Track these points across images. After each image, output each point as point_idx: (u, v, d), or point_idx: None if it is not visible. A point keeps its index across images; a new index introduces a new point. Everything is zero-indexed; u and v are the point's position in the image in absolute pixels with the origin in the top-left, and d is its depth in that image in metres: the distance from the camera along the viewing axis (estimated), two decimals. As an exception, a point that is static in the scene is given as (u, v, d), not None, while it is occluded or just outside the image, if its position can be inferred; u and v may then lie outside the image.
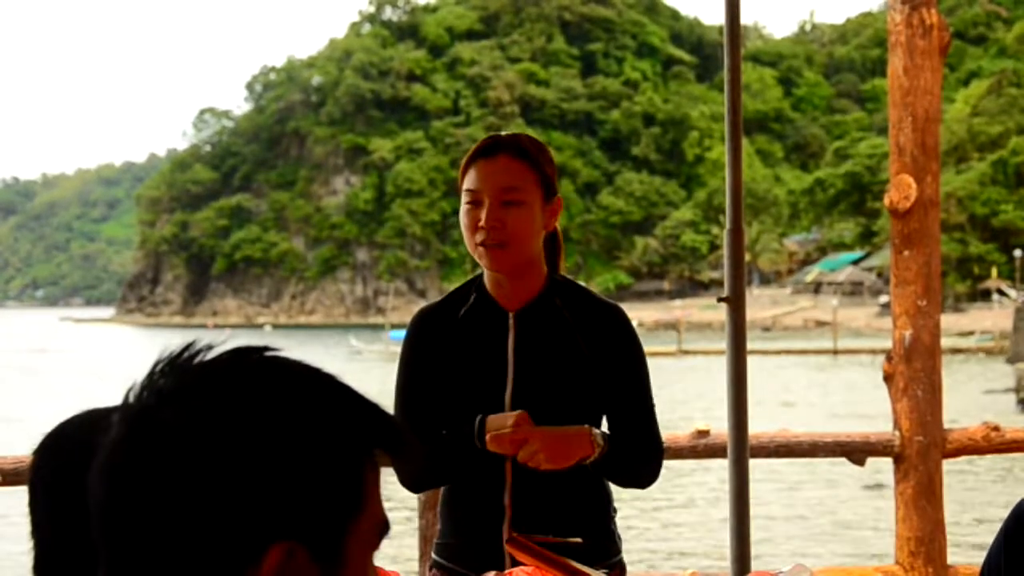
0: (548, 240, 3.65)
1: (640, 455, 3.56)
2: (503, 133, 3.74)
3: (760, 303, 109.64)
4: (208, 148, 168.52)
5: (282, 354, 1.44)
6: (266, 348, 1.44)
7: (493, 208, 3.44)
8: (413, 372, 3.65)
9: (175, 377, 1.40)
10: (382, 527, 1.44)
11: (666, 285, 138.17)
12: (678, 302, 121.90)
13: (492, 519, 3.43)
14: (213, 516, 1.32)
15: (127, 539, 1.37)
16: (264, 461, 1.33)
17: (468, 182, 3.52)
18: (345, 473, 1.39)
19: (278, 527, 1.33)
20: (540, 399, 3.48)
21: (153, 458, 1.36)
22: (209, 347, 1.42)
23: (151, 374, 1.41)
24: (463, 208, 3.54)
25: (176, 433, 1.35)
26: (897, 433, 6.92)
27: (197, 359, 1.41)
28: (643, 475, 3.59)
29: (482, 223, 3.45)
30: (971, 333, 79.79)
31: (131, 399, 1.40)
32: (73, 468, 1.86)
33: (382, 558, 1.57)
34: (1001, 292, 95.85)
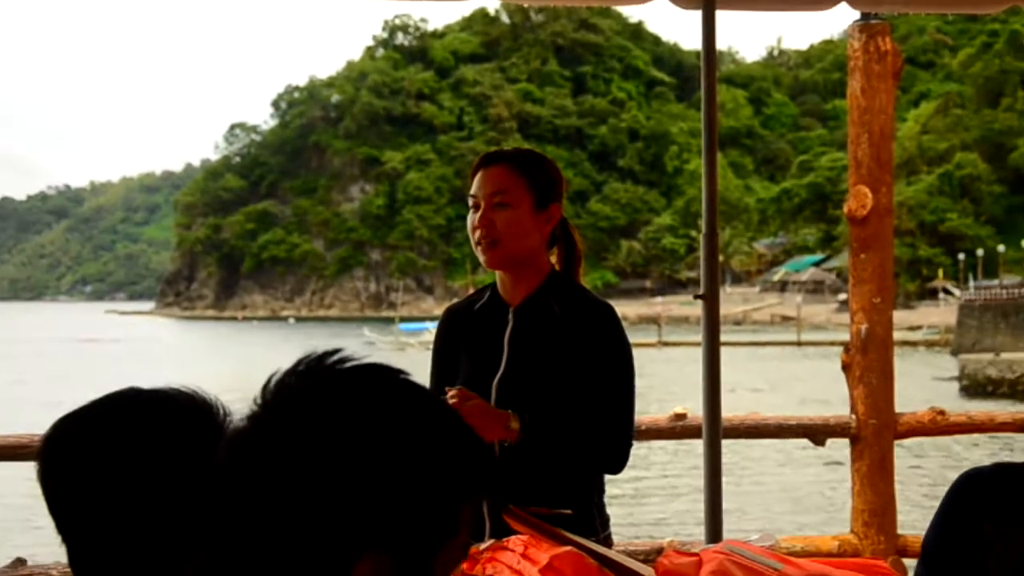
0: (565, 247, 3.69)
1: (600, 447, 3.53)
2: (506, 147, 3.77)
3: (732, 300, 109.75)
4: (238, 159, 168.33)
5: (414, 379, 1.41)
6: (402, 372, 1.41)
7: (485, 211, 3.52)
8: (437, 359, 3.75)
9: (311, 380, 1.35)
10: (465, 551, 1.44)
11: (648, 283, 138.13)
12: (659, 299, 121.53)
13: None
14: (320, 517, 1.30)
15: (240, 524, 1.34)
16: (378, 475, 1.30)
17: (470, 190, 3.60)
18: (446, 504, 1.36)
19: (377, 538, 1.30)
20: (523, 385, 3.51)
21: (275, 456, 1.32)
22: (347, 359, 1.39)
23: (289, 373, 1.38)
24: (469, 213, 3.60)
25: (310, 433, 1.32)
26: (853, 417, 6.92)
27: (335, 367, 1.38)
28: (604, 461, 3.56)
29: (476, 224, 3.53)
30: (920, 328, 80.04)
31: (267, 394, 1.37)
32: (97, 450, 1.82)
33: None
34: (946, 291, 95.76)
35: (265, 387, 1.35)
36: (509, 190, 3.53)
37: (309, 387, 1.35)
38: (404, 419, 1.35)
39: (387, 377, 1.38)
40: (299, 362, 1.37)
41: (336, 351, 1.38)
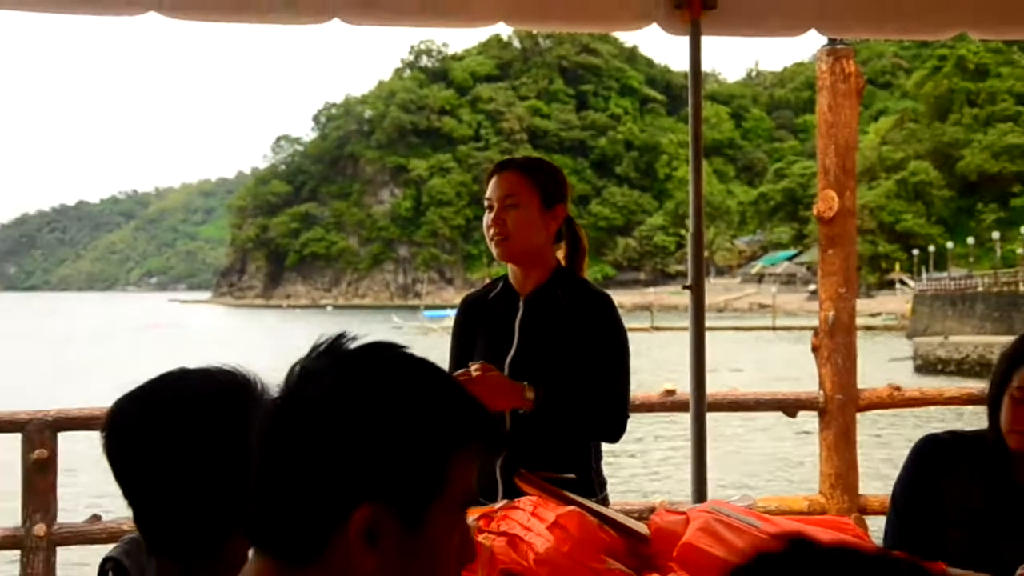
0: (571, 244, 3.70)
1: (600, 418, 3.53)
2: (516, 156, 3.78)
3: (715, 290, 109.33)
4: (283, 167, 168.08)
5: (409, 351, 1.44)
6: (398, 346, 1.45)
7: (498, 211, 3.56)
8: (456, 341, 3.76)
9: (326, 360, 1.40)
10: (467, 500, 1.43)
11: (642, 276, 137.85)
12: (651, 289, 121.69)
13: (489, 456, 3.41)
14: (328, 469, 1.33)
15: (272, 476, 1.37)
16: (372, 433, 1.34)
17: (486, 193, 3.62)
18: (433, 459, 1.38)
19: (371, 488, 1.33)
20: (532, 364, 3.52)
21: (294, 421, 1.37)
22: (354, 338, 1.43)
23: (309, 355, 1.42)
24: (485, 214, 3.63)
25: (314, 405, 1.36)
26: (821, 392, 6.90)
27: (344, 347, 1.42)
28: (602, 431, 3.56)
29: (490, 223, 3.57)
30: (879, 314, 79.82)
31: (294, 373, 1.41)
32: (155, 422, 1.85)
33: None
34: (902, 283, 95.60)
35: (293, 366, 1.40)
36: (519, 192, 3.55)
37: (319, 365, 1.39)
38: (393, 383, 1.38)
39: (383, 351, 1.42)
40: (316, 345, 1.42)
41: (343, 334, 1.43)
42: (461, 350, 3.69)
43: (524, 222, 3.54)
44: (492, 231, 3.56)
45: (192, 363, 1.92)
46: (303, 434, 1.34)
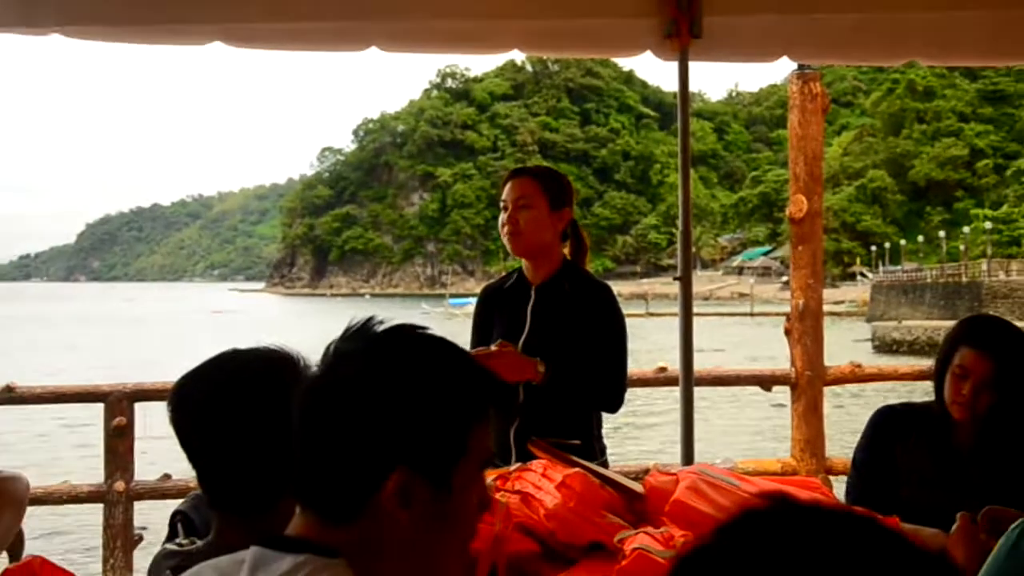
0: (575, 242, 3.69)
1: (602, 391, 3.53)
2: (528, 165, 3.78)
3: (701, 281, 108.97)
4: (327, 174, 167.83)
5: (431, 332, 1.43)
6: (421, 327, 1.44)
7: (512, 211, 3.56)
8: (476, 324, 3.75)
9: (357, 341, 1.39)
10: (485, 462, 1.43)
11: (638, 268, 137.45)
12: (646, 280, 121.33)
13: (504, 424, 3.44)
14: (364, 439, 1.33)
15: (312, 445, 1.37)
16: (401, 406, 1.33)
17: (501, 196, 3.62)
18: (456, 428, 1.36)
19: (402, 454, 1.33)
20: (542, 345, 3.50)
21: (331, 397, 1.36)
22: (381, 322, 1.42)
23: (342, 336, 1.42)
24: (500, 214, 3.62)
25: (348, 382, 1.35)
26: (793, 369, 6.88)
27: (373, 329, 1.41)
28: (603, 403, 3.56)
29: (505, 221, 3.56)
30: (843, 302, 79.56)
31: (329, 353, 1.40)
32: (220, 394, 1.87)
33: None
34: (862, 275, 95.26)
35: (328, 346, 1.40)
36: (530, 195, 3.55)
37: (352, 346, 1.39)
38: (418, 361, 1.37)
39: (408, 333, 1.41)
40: (348, 328, 1.41)
41: (372, 318, 1.42)
42: (481, 332, 3.69)
43: (534, 221, 3.54)
44: (506, 228, 3.56)
45: (247, 344, 1.94)
46: (340, 408, 1.34)
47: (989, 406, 2.94)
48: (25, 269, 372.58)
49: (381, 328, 1.40)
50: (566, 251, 3.68)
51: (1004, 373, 2.92)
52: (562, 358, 3.46)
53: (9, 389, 6.19)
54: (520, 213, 3.54)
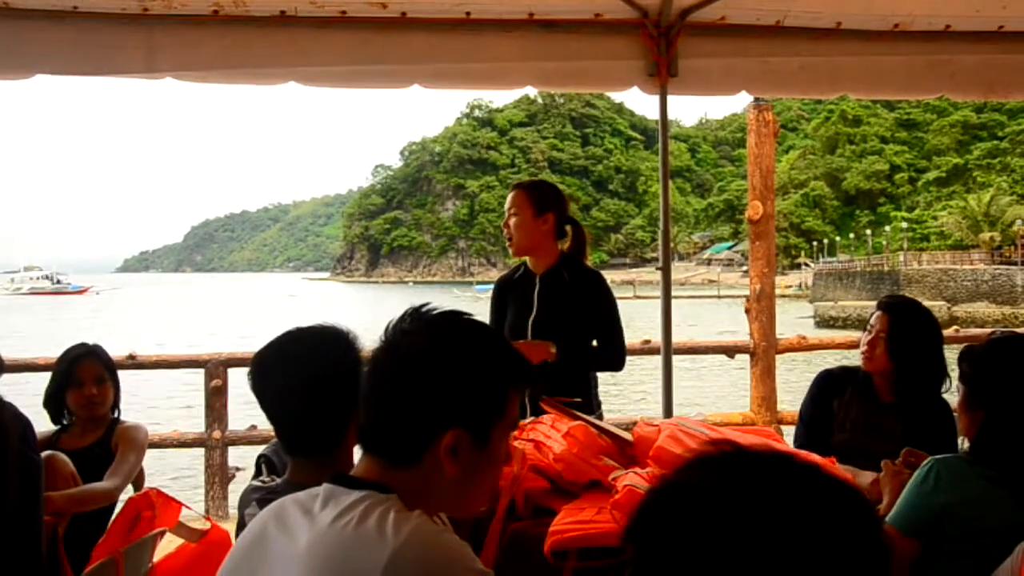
0: (576, 240, 3.62)
1: (607, 356, 3.50)
2: (527, 180, 3.77)
3: (678, 271, 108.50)
4: (379, 186, 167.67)
5: (475, 318, 1.43)
6: (467, 314, 1.43)
7: (506, 219, 3.56)
8: (494, 308, 3.70)
9: (415, 322, 1.38)
10: (515, 424, 1.43)
11: (627, 261, 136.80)
12: (633, 270, 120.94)
13: (533, 391, 3.40)
14: (424, 403, 1.33)
15: (379, 408, 1.36)
16: (456, 376, 1.33)
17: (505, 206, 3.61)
18: (498, 391, 1.36)
19: (456, 416, 1.33)
20: (548, 324, 3.48)
21: (392, 366, 1.35)
22: (435, 308, 1.41)
23: (402, 318, 1.40)
24: None
25: (408, 354, 1.35)
26: (752, 341, 6.86)
27: (429, 313, 1.40)
28: (610, 365, 3.53)
29: (503, 226, 3.59)
30: (791, 287, 79.19)
31: (389, 331, 1.39)
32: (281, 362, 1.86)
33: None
34: (806, 264, 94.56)
35: (388, 325, 1.39)
36: (517, 205, 3.53)
37: (412, 326, 1.38)
38: (468, 341, 1.37)
39: (458, 316, 1.41)
40: (406, 313, 1.40)
41: (427, 304, 1.41)
42: (498, 314, 3.66)
43: (520, 226, 3.51)
44: (505, 233, 3.57)
45: (313, 321, 1.93)
46: (408, 378, 1.33)
47: (886, 354, 2.96)
48: (145, 262, 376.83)
49: (435, 313, 1.40)
50: (565, 246, 3.62)
51: (896, 326, 2.96)
52: (566, 334, 3.43)
53: (132, 356, 6.23)
54: (511, 220, 3.53)
